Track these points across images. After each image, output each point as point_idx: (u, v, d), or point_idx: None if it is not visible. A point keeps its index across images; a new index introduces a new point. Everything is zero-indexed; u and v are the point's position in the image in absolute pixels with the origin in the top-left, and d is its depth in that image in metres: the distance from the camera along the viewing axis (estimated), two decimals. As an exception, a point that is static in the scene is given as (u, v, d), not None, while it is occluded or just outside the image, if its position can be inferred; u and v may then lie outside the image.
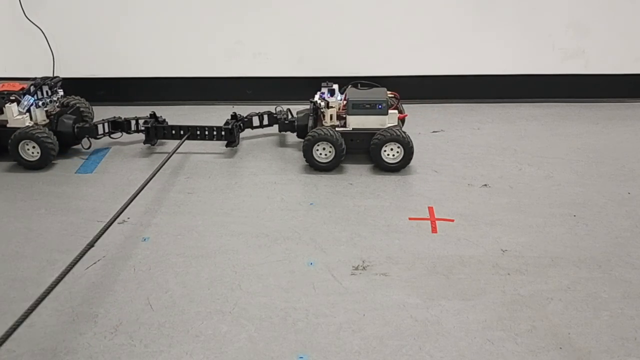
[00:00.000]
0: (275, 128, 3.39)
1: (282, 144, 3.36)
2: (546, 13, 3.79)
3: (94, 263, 2.27)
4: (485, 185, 2.85)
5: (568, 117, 3.71)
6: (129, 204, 2.41)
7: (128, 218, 2.58)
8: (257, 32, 3.87)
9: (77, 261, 2.00)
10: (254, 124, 3.38)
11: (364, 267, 2.23)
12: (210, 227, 2.52)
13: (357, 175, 2.96)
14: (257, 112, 3.38)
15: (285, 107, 3.39)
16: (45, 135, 2.98)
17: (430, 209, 2.63)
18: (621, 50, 3.85)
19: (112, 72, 3.83)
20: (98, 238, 2.16)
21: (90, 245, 2.10)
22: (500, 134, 3.45)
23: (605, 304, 2.03)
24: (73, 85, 3.77)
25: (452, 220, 2.54)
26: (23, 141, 2.97)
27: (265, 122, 3.39)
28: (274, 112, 3.37)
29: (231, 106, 3.92)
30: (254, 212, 2.62)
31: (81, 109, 3.35)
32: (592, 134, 3.45)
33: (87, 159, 3.17)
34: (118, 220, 2.56)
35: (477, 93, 3.96)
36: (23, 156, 3.00)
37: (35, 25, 3.73)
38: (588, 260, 2.27)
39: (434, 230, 2.48)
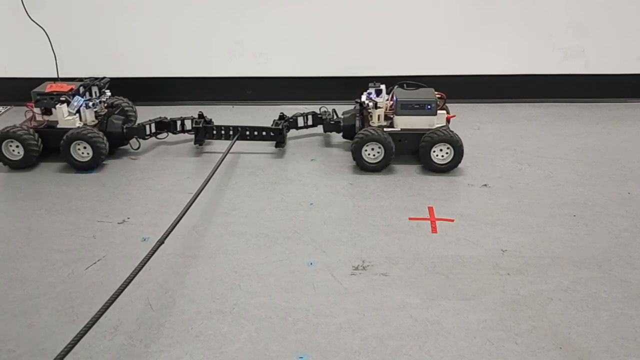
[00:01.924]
0: (305, 129, 3.39)
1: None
2: (546, 13, 3.79)
3: (94, 263, 2.27)
4: (485, 185, 2.85)
5: (568, 117, 3.71)
6: (192, 202, 2.39)
7: (128, 218, 2.58)
8: (257, 32, 3.87)
9: (147, 261, 2.01)
10: (299, 125, 3.37)
11: (364, 267, 2.23)
12: (210, 227, 2.52)
13: (357, 175, 2.96)
14: (302, 112, 3.37)
15: (330, 108, 3.37)
16: (98, 136, 2.98)
17: (430, 209, 2.63)
18: (621, 50, 3.85)
19: (112, 72, 3.82)
20: (167, 235, 2.14)
21: (161, 242, 2.09)
22: (500, 134, 3.45)
23: (605, 304, 2.03)
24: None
25: (452, 220, 2.54)
26: (75, 142, 2.97)
27: (310, 122, 3.38)
28: (318, 112, 3.35)
29: (231, 106, 3.92)
30: (254, 212, 2.62)
31: (126, 109, 3.35)
32: (592, 134, 3.45)
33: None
34: (118, 220, 2.57)
35: (477, 93, 3.96)
36: (74, 157, 3.00)
37: (38, 25, 3.73)
38: (588, 260, 2.27)
39: (434, 230, 2.48)
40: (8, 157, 3.01)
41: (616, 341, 1.87)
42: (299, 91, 3.97)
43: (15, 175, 2.99)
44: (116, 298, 1.80)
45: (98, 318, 1.72)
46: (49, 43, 3.78)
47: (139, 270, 1.94)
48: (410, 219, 2.56)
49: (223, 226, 2.52)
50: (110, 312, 2.00)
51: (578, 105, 3.89)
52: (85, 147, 2.98)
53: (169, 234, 2.15)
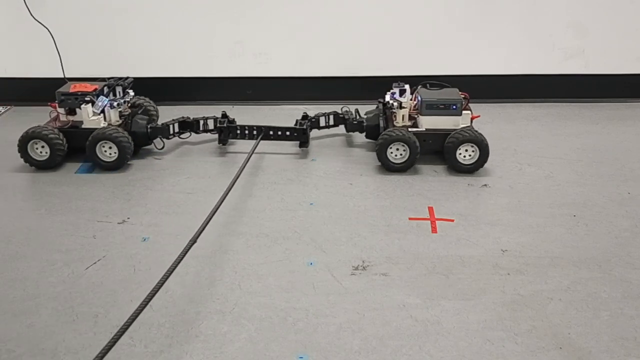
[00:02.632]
0: (327, 128, 3.39)
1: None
2: (546, 13, 3.79)
3: (94, 263, 2.27)
4: (485, 185, 2.85)
5: (568, 117, 3.71)
6: (222, 202, 2.39)
7: (128, 218, 2.58)
8: (257, 32, 3.87)
9: (182, 258, 2.02)
10: (321, 124, 3.36)
11: (364, 267, 2.23)
12: (210, 227, 2.51)
13: (357, 175, 2.96)
14: (324, 112, 3.36)
15: (352, 108, 3.36)
16: (123, 136, 2.98)
17: (430, 209, 2.63)
18: (621, 50, 3.85)
19: (112, 72, 3.82)
20: (199, 234, 2.15)
21: (193, 241, 2.10)
22: (500, 134, 3.45)
23: (605, 304, 2.03)
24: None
25: (452, 220, 2.54)
26: (101, 142, 2.97)
27: (331, 122, 3.37)
28: (340, 112, 3.35)
29: (231, 106, 3.92)
30: (254, 212, 2.62)
31: (149, 109, 3.35)
32: (592, 134, 3.45)
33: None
34: (118, 220, 2.57)
35: (477, 93, 3.95)
36: (100, 157, 2.99)
37: (43, 25, 3.72)
38: (588, 260, 2.27)
39: (434, 230, 2.48)
40: (34, 157, 3.00)
41: (616, 341, 1.87)
42: (299, 91, 3.97)
43: (15, 175, 2.99)
44: (149, 301, 1.81)
45: (130, 323, 1.73)
46: (48, 42, 3.78)
47: (172, 271, 1.95)
48: (410, 219, 2.56)
49: (223, 226, 2.52)
50: (110, 312, 2.01)
51: (578, 105, 3.89)
52: (110, 147, 2.98)
53: (200, 232, 2.16)
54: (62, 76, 3.82)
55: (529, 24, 3.81)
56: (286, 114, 3.62)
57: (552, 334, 1.90)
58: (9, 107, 3.99)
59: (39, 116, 3.80)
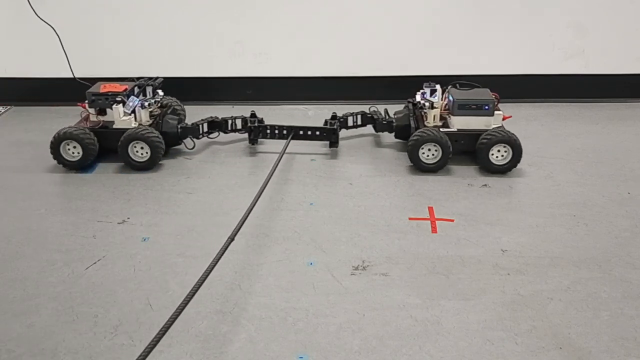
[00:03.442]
0: (354, 128, 3.38)
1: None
2: (546, 13, 3.79)
3: (94, 263, 2.27)
4: (485, 185, 2.85)
5: (568, 117, 3.71)
6: (255, 202, 2.40)
7: (128, 218, 2.58)
8: (257, 32, 3.87)
9: (220, 256, 2.03)
10: (349, 124, 3.36)
11: (364, 267, 2.23)
12: (210, 227, 2.52)
13: (357, 175, 2.96)
14: (352, 112, 3.35)
15: (380, 108, 3.35)
16: (156, 136, 2.98)
17: (430, 209, 2.63)
18: (621, 50, 3.86)
19: (112, 72, 3.82)
20: (237, 232, 2.15)
21: (231, 239, 2.10)
22: (500, 134, 3.45)
23: (605, 304, 2.03)
24: (72, 86, 3.78)
25: (452, 220, 2.54)
26: (133, 142, 2.97)
27: (359, 122, 3.36)
28: (367, 112, 3.34)
29: (231, 106, 3.92)
30: (253, 212, 2.62)
31: (177, 109, 3.35)
32: (592, 134, 3.45)
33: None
34: (118, 220, 2.57)
35: (477, 93, 3.95)
36: (132, 157, 3.00)
37: (48, 24, 3.71)
38: (588, 260, 2.27)
39: (434, 230, 2.48)
40: (66, 158, 3.00)
41: (616, 341, 1.87)
42: (299, 91, 3.97)
43: (15, 175, 2.99)
44: (187, 303, 1.82)
45: (174, 320, 1.74)
46: (48, 42, 3.77)
47: (210, 271, 1.96)
48: (410, 219, 2.56)
49: (223, 226, 2.52)
50: (110, 312, 2.01)
51: (578, 105, 3.89)
52: (142, 147, 2.98)
53: (238, 230, 2.16)
54: (61, 76, 3.83)
55: (529, 24, 3.81)
56: (286, 114, 3.62)
57: (552, 334, 1.90)
58: (9, 107, 3.99)
59: (39, 116, 3.82)
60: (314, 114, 3.75)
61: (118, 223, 2.55)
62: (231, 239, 2.10)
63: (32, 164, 3.11)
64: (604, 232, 2.45)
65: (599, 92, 3.93)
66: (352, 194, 2.78)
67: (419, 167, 2.95)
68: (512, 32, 3.83)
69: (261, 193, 2.49)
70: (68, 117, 3.78)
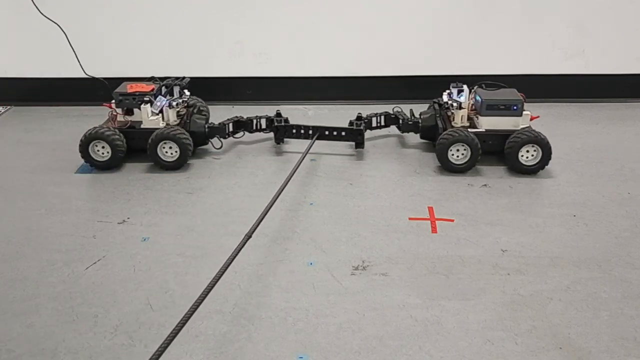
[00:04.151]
0: (378, 129, 3.37)
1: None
2: (546, 13, 3.79)
3: (94, 263, 2.27)
4: (485, 185, 2.85)
5: (568, 117, 3.71)
6: (273, 202, 2.40)
7: (128, 218, 2.58)
8: (257, 32, 3.87)
9: (237, 253, 2.03)
10: (373, 125, 3.35)
11: (364, 267, 2.23)
12: (210, 227, 2.52)
13: (357, 175, 2.96)
14: (376, 112, 3.34)
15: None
16: (185, 135, 2.98)
17: (430, 209, 2.63)
18: (621, 50, 3.86)
19: (111, 72, 3.83)
20: (255, 228, 2.16)
21: (249, 235, 2.11)
22: (500, 134, 3.45)
23: (605, 304, 2.03)
24: (72, 86, 3.78)
25: (452, 220, 2.54)
26: (162, 142, 2.97)
27: (382, 123, 3.36)
28: (391, 112, 3.33)
29: (231, 106, 3.92)
30: (254, 212, 2.61)
31: (202, 109, 3.35)
32: (592, 134, 3.45)
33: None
34: (118, 220, 2.57)
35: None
36: (161, 157, 2.99)
37: (54, 23, 3.70)
38: (588, 260, 2.27)
39: (434, 230, 2.48)
40: (95, 158, 3.00)
41: (616, 341, 1.87)
42: (299, 91, 3.97)
43: (15, 175, 2.99)
44: (201, 302, 1.81)
45: (187, 320, 1.74)
46: (48, 42, 3.77)
47: (228, 266, 1.96)
48: (410, 219, 2.56)
49: (223, 226, 2.52)
50: (110, 312, 2.01)
51: (578, 105, 3.89)
52: (171, 147, 2.98)
53: (256, 227, 2.17)
54: (61, 76, 3.83)
55: (529, 24, 3.81)
56: (286, 114, 3.61)
57: (552, 334, 1.90)
58: (9, 107, 3.99)
59: (39, 116, 3.82)
60: (314, 114, 3.75)
61: (118, 223, 2.54)
62: (248, 236, 2.11)
63: (32, 164, 3.11)
64: (604, 232, 2.45)
65: (599, 92, 3.93)
66: (352, 194, 2.78)
67: (447, 168, 2.95)
68: (513, 32, 3.83)
69: (280, 192, 2.48)
70: (68, 117, 3.80)
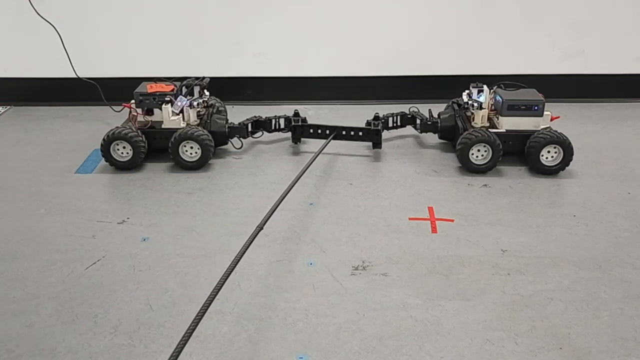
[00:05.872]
0: (395, 129, 3.36)
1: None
2: (546, 13, 3.79)
3: (94, 263, 2.27)
4: (485, 185, 2.85)
5: (568, 117, 3.71)
6: (284, 197, 2.39)
7: (128, 218, 2.58)
8: (257, 32, 3.86)
9: (248, 247, 2.02)
10: (389, 125, 3.34)
11: (364, 267, 2.23)
12: (210, 227, 2.52)
13: (357, 175, 2.96)
14: (392, 112, 3.33)
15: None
16: (207, 135, 2.98)
17: (430, 209, 2.63)
18: (621, 50, 3.85)
19: (111, 72, 3.83)
20: (266, 221, 2.15)
21: (260, 227, 2.11)
22: (500, 134, 3.45)
23: (605, 304, 2.03)
24: (72, 86, 3.78)
25: (452, 220, 2.54)
26: (184, 142, 2.97)
27: (399, 123, 3.34)
28: (407, 112, 3.32)
29: (231, 106, 3.92)
30: (253, 212, 2.62)
31: (220, 109, 3.34)
32: (592, 134, 3.45)
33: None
34: (118, 220, 2.57)
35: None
36: (182, 157, 2.99)
37: (49, 23, 3.69)
38: (588, 260, 2.27)
39: (434, 230, 2.48)
40: (116, 158, 2.99)
41: (616, 341, 1.87)
42: (299, 91, 3.97)
43: (15, 175, 2.99)
44: (215, 297, 1.83)
45: (205, 312, 1.74)
46: (47, 42, 3.76)
47: (239, 259, 1.96)
48: (410, 219, 2.56)
49: (223, 226, 2.52)
50: (110, 312, 2.01)
51: (578, 105, 3.89)
52: (192, 147, 2.98)
53: (267, 219, 2.16)
54: (61, 76, 3.82)
55: (529, 24, 3.81)
56: (286, 114, 3.60)
57: (552, 334, 1.90)
58: (9, 107, 3.99)
59: (39, 116, 3.82)
60: (314, 114, 3.75)
61: (118, 223, 2.54)
62: (260, 227, 2.10)
63: (32, 164, 3.11)
64: (604, 232, 2.45)
65: (599, 92, 3.93)
66: (352, 193, 2.78)
67: (468, 168, 2.94)
68: (512, 32, 3.83)
69: (290, 189, 2.47)
70: (68, 117, 3.79)
